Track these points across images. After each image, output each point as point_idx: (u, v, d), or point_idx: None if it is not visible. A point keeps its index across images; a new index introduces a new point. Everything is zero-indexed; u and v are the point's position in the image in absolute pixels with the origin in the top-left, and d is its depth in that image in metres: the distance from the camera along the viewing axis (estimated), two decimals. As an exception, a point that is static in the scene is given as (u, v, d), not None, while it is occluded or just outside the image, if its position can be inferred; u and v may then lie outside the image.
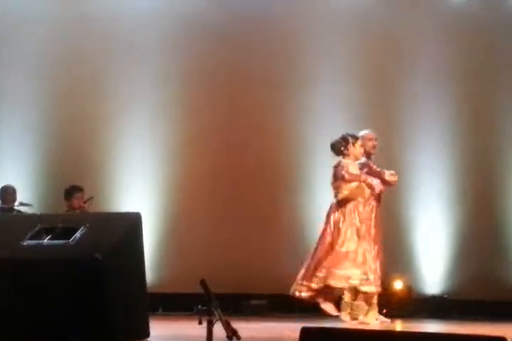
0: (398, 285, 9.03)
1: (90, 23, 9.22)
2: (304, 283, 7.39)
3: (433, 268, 9.49)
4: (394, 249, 8.57)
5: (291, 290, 7.49)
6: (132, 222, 4.49)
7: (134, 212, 4.59)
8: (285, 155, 9.56)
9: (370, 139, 7.68)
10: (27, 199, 8.23)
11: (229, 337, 3.93)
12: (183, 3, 9.49)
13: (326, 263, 7.31)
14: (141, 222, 4.52)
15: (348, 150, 7.43)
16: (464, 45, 9.88)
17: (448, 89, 9.87)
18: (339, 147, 7.45)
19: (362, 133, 7.66)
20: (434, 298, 9.42)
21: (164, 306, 8.80)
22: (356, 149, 7.46)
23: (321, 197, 9.43)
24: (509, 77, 9.94)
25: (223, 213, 9.27)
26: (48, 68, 9.20)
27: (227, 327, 3.93)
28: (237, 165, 9.48)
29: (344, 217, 7.40)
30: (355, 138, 7.48)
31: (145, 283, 4.56)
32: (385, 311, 7.86)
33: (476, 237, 9.59)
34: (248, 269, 9.07)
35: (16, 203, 8.11)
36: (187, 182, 9.32)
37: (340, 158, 7.49)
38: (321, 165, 9.48)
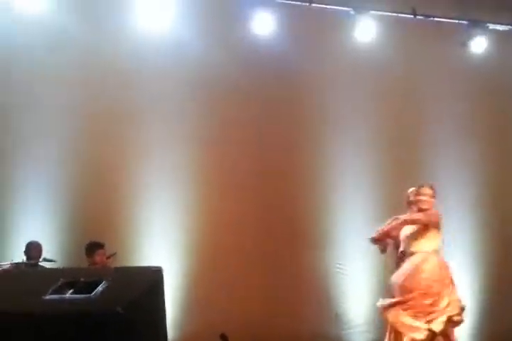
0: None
1: (110, 76, 9.30)
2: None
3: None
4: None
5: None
6: (154, 277, 4.48)
7: (155, 266, 4.58)
8: (306, 211, 9.57)
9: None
10: (49, 254, 8.25)
11: None
12: (204, 58, 9.55)
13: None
14: (162, 277, 4.51)
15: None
16: (486, 100, 9.95)
17: (470, 145, 9.90)
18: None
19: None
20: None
21: (186, 363, 8.72)
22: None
23: (342, 252, 9.42)
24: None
25: (245, 269, 9.24)
26: (69, 125, 9.24)
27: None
28: (260, 222, 9.48)
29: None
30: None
31: (166, 338, 4.53)
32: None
33: (499, 294, 9.50)
34: (270, 326, 9.00)
35: (41, 259, 8.14)
36: (209, 237, 9.31)
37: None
38: (341, 220, 9.50)
